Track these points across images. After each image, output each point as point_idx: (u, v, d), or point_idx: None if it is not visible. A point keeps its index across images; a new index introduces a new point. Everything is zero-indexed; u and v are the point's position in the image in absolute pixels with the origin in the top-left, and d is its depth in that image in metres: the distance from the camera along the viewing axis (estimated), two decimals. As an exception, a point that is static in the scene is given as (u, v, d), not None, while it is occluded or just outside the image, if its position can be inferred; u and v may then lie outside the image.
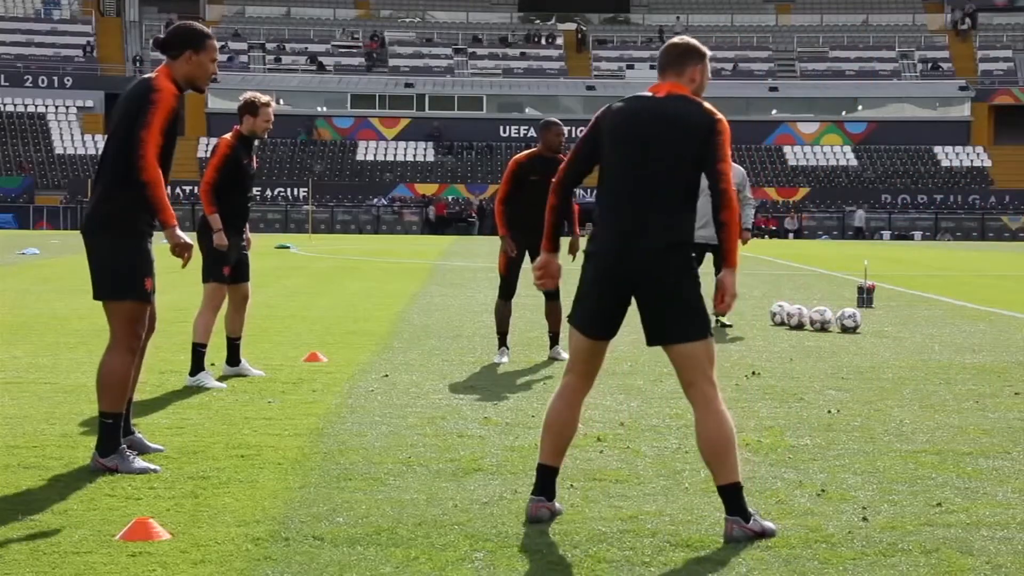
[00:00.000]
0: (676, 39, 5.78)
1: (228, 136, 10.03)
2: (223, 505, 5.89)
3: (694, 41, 5.73)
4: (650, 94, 5.67)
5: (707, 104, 5.60)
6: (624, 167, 5.58)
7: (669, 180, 5.51)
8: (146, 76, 6.76)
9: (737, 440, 5.54)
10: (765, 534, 5.42)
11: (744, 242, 13.67)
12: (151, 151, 6.45)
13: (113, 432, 6.56)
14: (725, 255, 5.52)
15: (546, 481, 5.74)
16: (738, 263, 5.54)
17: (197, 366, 9.70)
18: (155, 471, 6.54)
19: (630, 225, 5.51)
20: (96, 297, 6.69)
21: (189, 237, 6.72)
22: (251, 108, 9.97)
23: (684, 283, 5.49)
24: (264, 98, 10.08)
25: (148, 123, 6.49)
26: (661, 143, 5.51)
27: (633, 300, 5.59)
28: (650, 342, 5.59)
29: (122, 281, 6.59)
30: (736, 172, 14.00)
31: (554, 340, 11.85)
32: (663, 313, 5.51)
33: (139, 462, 6.59)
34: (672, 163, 5.50)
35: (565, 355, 11.70)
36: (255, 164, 10.23)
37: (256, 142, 10.18)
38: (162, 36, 6.81)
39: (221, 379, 9.90)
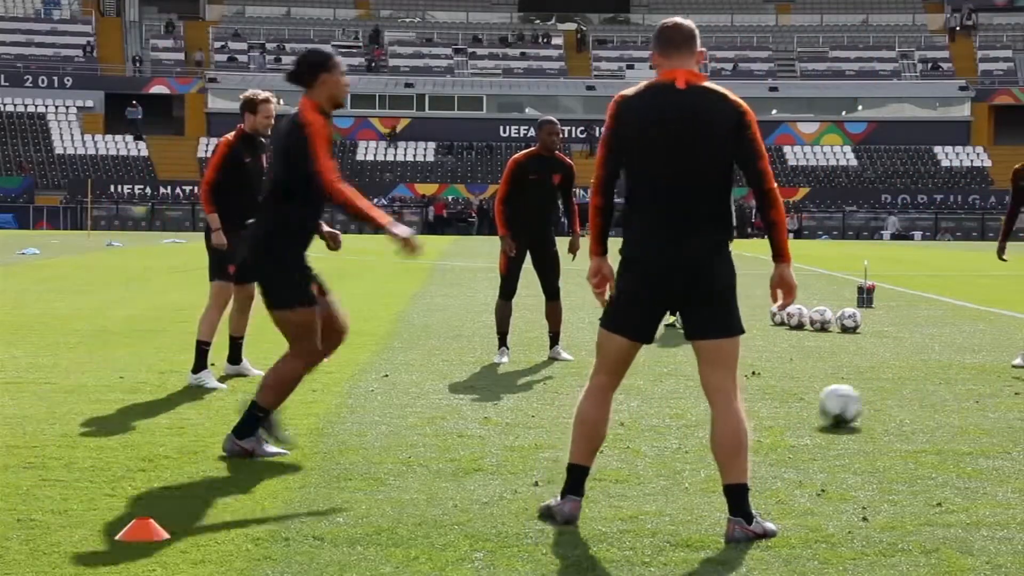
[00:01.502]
0: (678, 20, 5.59)
1: (230, 136, 10.04)
2: (223, 505, 5.89)
3: (691, 22, 5.62)
4: (668, 82, 5.51)
5: (731, 95, 5.47)
6: (655, 170, 5.48)
7: (704, 180, 5.45)
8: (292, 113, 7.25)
9: (751, 443, 5.53)
10: (766, 535, 5.41)
11: None
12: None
13: (258, 422, 7.07)
14: (778, 250, 5.51)
15: (579, 480, 5.72)
16: (791, 257, 5.53)
17: (200, 363, 9.72)
18: (285, 454, 7.06)
19: (671, 231, 5.45)
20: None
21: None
22: (250, 106, 9.98)
23: (726, 280, 5.50)
24: (263, 94, 10.07)
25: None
26: (691, 144, 5.42)
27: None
28: (688, 336, 5.59)
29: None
30: None
31: (554, 340, 11.82)
32: (702, 311, 5.50)
33: (271, 447, 7.09)
34: (704, 164, 5.43)
35: (565, 355, 11.69)
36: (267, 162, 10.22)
37: (263, 140, 10.17)
38: (292, 69, 7.33)
39: (222, 379, 9.90)
